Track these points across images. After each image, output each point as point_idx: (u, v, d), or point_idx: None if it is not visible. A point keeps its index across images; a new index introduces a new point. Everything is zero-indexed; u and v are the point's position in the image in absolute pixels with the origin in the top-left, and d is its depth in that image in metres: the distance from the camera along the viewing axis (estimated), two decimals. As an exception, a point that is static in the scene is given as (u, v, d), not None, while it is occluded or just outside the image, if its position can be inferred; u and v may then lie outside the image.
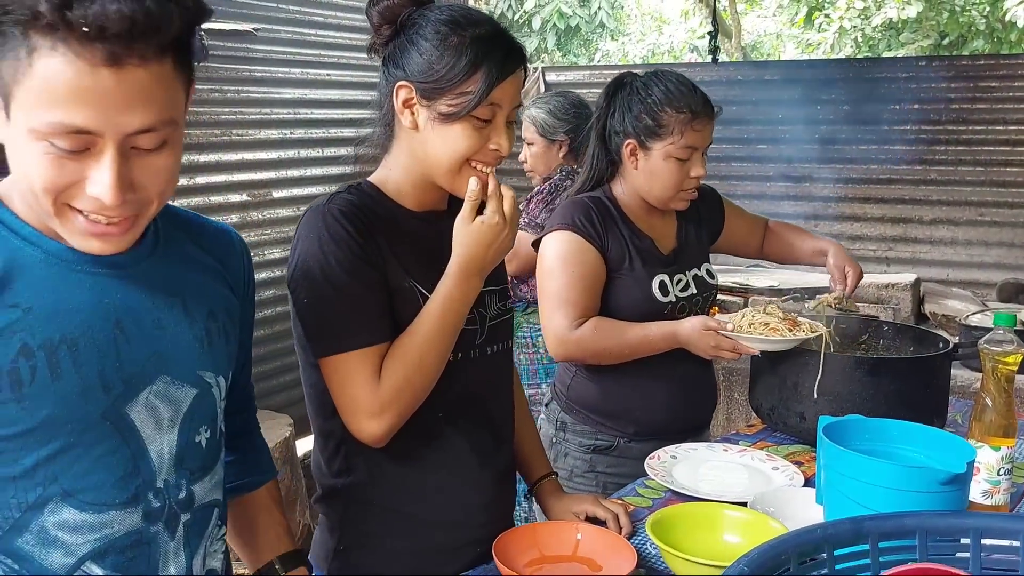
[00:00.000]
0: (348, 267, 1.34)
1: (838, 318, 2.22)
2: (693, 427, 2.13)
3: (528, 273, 2.79)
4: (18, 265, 0.98)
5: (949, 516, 1.10)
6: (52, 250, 1.00)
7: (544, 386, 2.95)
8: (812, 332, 1.92)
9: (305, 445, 3.42)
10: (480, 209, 1.38)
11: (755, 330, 1.90)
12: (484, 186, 1.37)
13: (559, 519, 1.60)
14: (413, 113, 1.38)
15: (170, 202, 1.16)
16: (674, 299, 2.04)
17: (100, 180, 0.92)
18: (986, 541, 1.06)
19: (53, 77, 0.87)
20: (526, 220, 2.90)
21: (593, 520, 1.57)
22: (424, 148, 1.40)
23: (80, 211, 0.95)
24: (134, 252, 1.05)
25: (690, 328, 1.92)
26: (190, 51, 0.97)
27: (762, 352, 1.92)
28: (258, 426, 1.42)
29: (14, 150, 0.93)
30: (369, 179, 1.48)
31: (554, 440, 2.14)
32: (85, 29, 0.86)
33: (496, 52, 1.35)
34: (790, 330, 1.92)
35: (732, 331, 1.88)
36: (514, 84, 1.38)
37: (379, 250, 1.38)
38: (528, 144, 3.10)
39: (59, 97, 0.88)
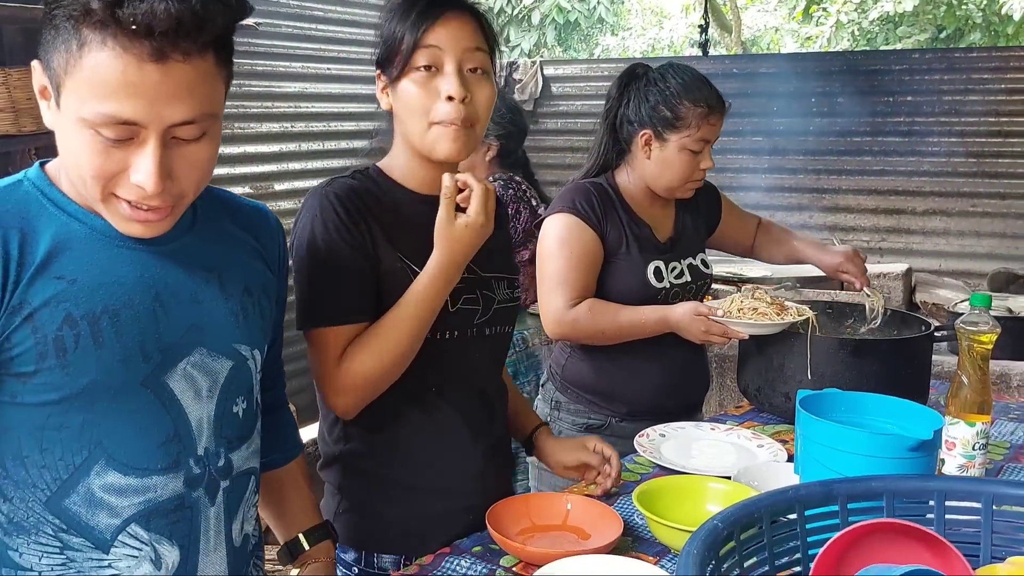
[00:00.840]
0: (333, 249, 1.39)
1: (825, 303, 2.28)
2: (685, 409, 2.18)
3: None
4: (66, 240, 1.03)
5: (914, 479, 1.16)
6: (96, 226, 1.05)
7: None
8: (799, 316, 1.98)
9: (308, 433, 3.48)
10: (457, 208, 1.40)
11: (744, 315, 1.96)
12: (460, 186, 1.39)
13: (558, 462, 1.66)
14: (387, 95, 1.45)
15: None
16: (668, 285, 2.10)
17: (143, 168, 0.97)
18: (951, 503, 1.11)
19: (102, 70, 0.92)
20: None
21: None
22: (399, 123, 1.45)
23: (124, 198, 1.00)
24: (174, 229, 1.10)
25: (681, 313, 1.98)
26: (231, 47, 1.01)
27: (751, 336, 1.98)
28: (287, 403, 1.46)
29: (63, 137, 0.99)
30: (378, 164, 1.52)
31: (548, 419, 2.20)
32: (134, 27, 0.91)
33: (417, 6, 1.39)
34: (778, 314, 1.98)
35: (722, 316, 1.94)
36: (455, 26, 1.39)
37: (370, 234, 1.41)
38: None
39: (107, 89, 0.93)
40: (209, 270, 1.14)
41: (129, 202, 1.00)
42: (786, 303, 2.04)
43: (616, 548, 1.40)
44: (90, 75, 0.93)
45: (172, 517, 1.09)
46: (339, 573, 1.51)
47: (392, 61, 1.41)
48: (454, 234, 1.37)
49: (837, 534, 0.98)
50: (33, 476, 1.03)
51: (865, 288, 2.23)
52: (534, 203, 2.83)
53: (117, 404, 1.04)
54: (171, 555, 1.10)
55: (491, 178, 2.81)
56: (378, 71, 1.46)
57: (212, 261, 1.15)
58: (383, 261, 1.42)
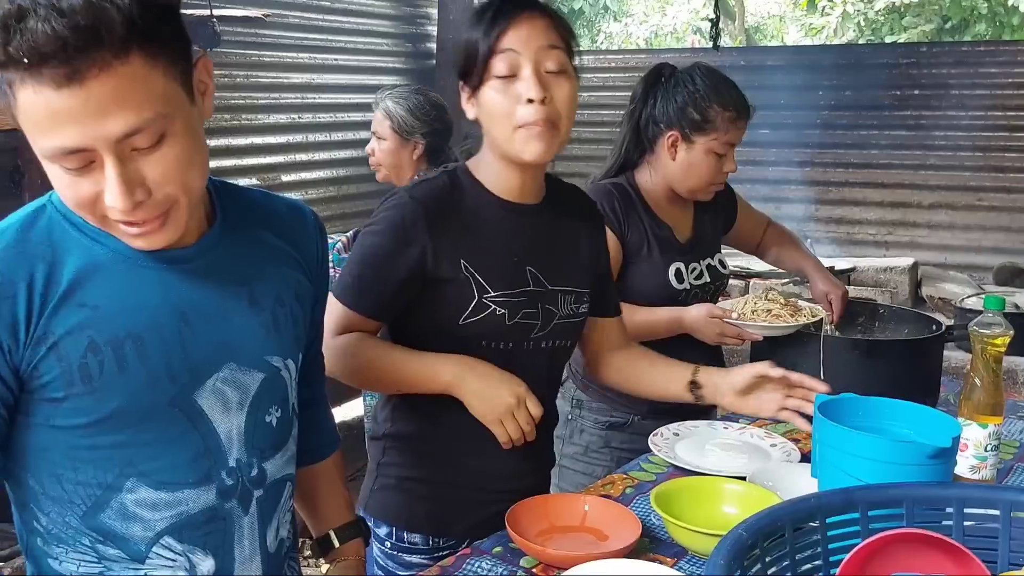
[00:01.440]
0: (381, 247, 1.46)
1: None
2: (703, 407, 2.20)
3: None
4: (91, 265, 1.02)
5: (933, 487, 1.18)
6: (119, 249, 1.03)
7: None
8: (813, 317, 2.00)
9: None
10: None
11: (758, 316, 1.98)
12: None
13: (732, 388, 1.71)
14: (472, 106, 1.46)
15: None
16: (688, 287, 2.11)
17: (109, 189, 0.93)
18: (969, 510, 1.13)
19: (31, 107, 0.89)
20: None
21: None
22: (486, 131, 1.46)
23: (114, 219, 0.97)
24: (201, 243, 1.09)
25: (695, 315, 1.99)
26: (165, 37, 0.94)
27: (765, 337, 1.99)
28: (325, 397, 1.44)
29: (48, 171, 0.97)
30: (467, 163, 1.54)
31: (569, 417, 2.22)
32: (26, 60, 0.87)
33: (492, 5, 1.41)
34: (791, 315, 1.99)
35: (736, 318, 1.95)
36: (527, 27, 1.39)
37: (435, 242, 1.44)
38: (379, 138, 2.82)
39: (42, 124, 0.90)
40: (239, 284, 1.12)
41: (128, 223, 0.97)
42: (800, 303, 2.05)
43: (634, 550, 1.42)
44: (25, 114, 0.90)
45: (205, 528, 1.10)
46: (373, 547, 1.57)
47: (471, 71, 1.42)
48: (491, 393, 1.46)
49: (860, 544, 1.00)
50: (68, 492, 1.05)
51: (829, 326, 2.25)
52: None
53: (145, 424, 1.04)
54: (205, 564, 1.11)
55: (416, 178, 2.71)
56: (461, 83, 1.46)
57: (242, 274, 1.13)
58: (445, 271, 1.45)
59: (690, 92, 2.04)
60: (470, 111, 1.46)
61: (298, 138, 4.48)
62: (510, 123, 1.40)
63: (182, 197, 1.00)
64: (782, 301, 2.02)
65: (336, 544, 1.39)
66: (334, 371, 1.48)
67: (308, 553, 2.79)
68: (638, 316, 2.04)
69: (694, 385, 1.72)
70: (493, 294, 1.47)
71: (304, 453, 1.35)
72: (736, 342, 1.98)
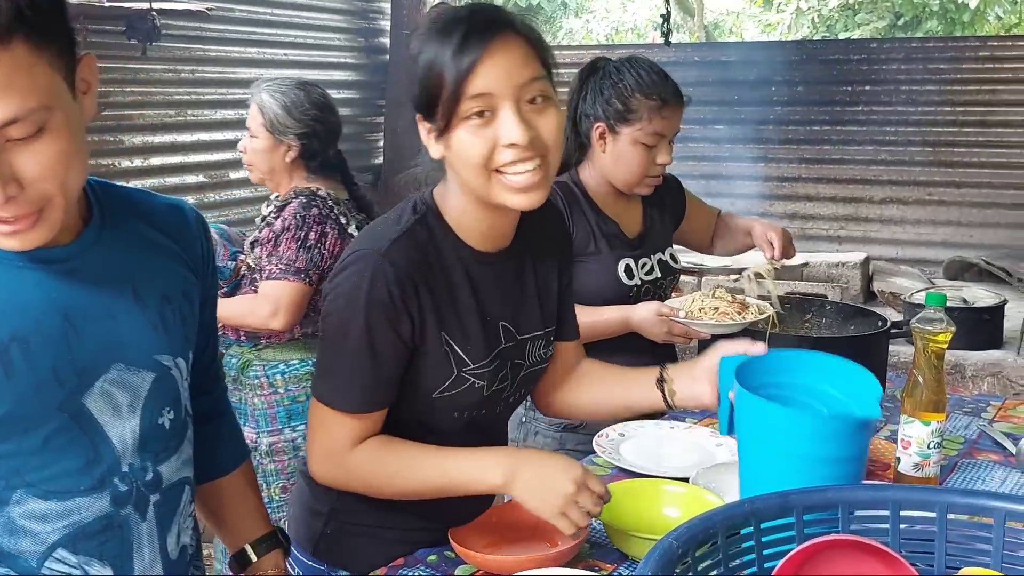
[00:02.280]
0: (371, 335, 1.26)
1: (781, 299, 2.29)
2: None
3: (296, 325, 2.39)
4: None
5: (870, 489, 1.16)
6: None
7: (288, 431, 2.45)
8: (760, 314, 1.98)
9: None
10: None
11: (705, 314, 1.95)
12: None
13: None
14: (437, 144, 1.25)
15: (126, 183, 1.16)
16: (639, 282, 2.08)
17: None
18: (906, 512, 1.11)
19: None
20: (282, 267, 2.32)
21: None
22: (456, 173, 1.27)
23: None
24: (78, 242, 1.05)
25: (643, 314, 1.96)
26: (51, 29, 0.91)
27: (713, 335, 1.97)
28: (229, 406, 1.40)
29: None
30: (433, 194, 1.35)
31: (523, 420, 2.18)
32: None
33: (459, 25, 1.19)
34: (739, 313, 1.97)
35: (683, 316, 1.93)
36: (502, 61, 1.18)
37: (420, 314, 1.28)
38: (251, 135, 2.47)
39: None
40: (122, 282, 1.08)
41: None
42: (747, 301, 2.03)
43: (575, 556, 1.38)
44: None
45: (100, 538, 1.05)
46: None
47: (435, 109, 1.21)
48: (551, 488, 1.28)
49: (792, 551, 0.97)
50: None
51: (772, 261, 2.17)
52: (343, 221, 2.43)
53: (33, 431, 0.99)
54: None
55: (292, 193, 2.42)
56: (419, 115, 1.25)
57: (125, 271, 1.08)
58: (427, 343, 1.30)
59: (614, 83, 2.01)
60: (433, 149, 1.25)
61: (247, 134, 4.40)
62: (488, 169, 1.21)
63: (58, 196, 0.95)
64: (729, 299, 2.00)
65: (253, 558, 1.33)
66: (363, 489, 1.35)
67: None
68: (584, 317, 1.99)
69: (661, 381, 1.52)
70: (473, 367, 1.33)
71: (212, 466, 1.31)
72: (684, 341, 1.95)
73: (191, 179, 4.14)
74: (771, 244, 2.18)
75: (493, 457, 1.33)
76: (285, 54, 4.58)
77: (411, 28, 5.33)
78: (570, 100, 2.11)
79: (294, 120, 2.40)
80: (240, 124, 4.34)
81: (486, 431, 1.45)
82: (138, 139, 3.98)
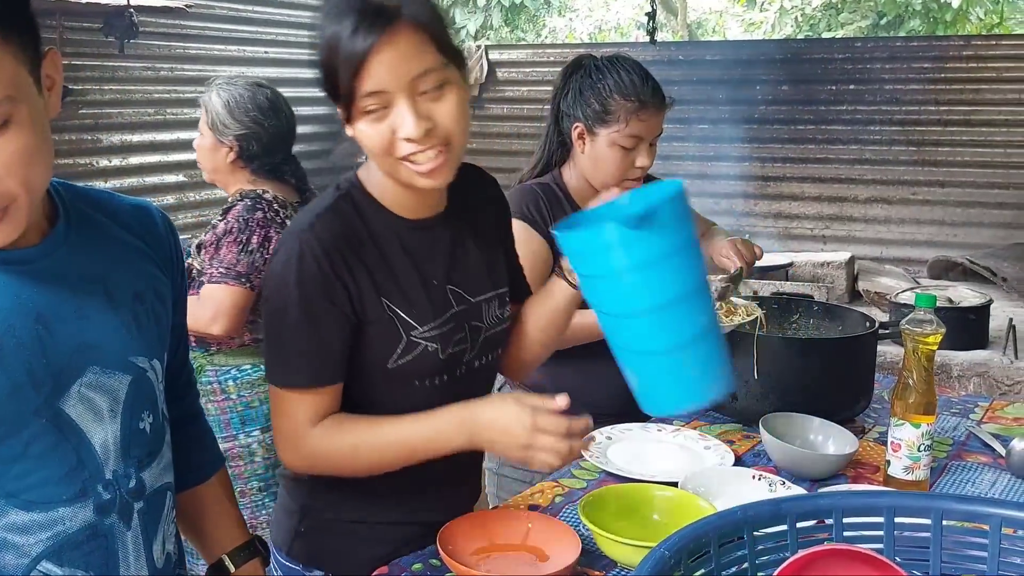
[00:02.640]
0: (310, 307, 1.28)
1: (768, 300, 2.27)
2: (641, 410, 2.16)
3: (239, 330, 2.32)
4: None
5: (863, 496, 1.14)
6: None
7: (242, 436, 2.40)
8: (748, 316, 1.95)
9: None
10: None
11: None
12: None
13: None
14: (348, 128, 1.29)
15: (103, 185, 1.14)
16: None
17: None
18: (900, 519, 1.09)
19: None
20: (223, 271, 2.26)
21: None
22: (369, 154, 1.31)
23: None
24: (45, 243, 1.02)
25: None
26: (16, 23, 0.90)
27: None
28: (202, 411, 1.38)
29: None
30: (358, 175, 1.39)
31: None
32: None
33: (345, 30, 1.19)
34: (726, 315, 1.94)
35: None
36: (394, 54, 1.18)
37: (356, 284, 1.30)
38: (200, 133, 2.43)
39: None
40: (92, 281, 1.05)
41: None
42: (735, 302, 2.01)
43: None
44: None
45: (85, 548, 1.02)
46: None
47: (336, 97, 1.24)
48: (510, 419, 1.29)
49: (788, 560, 0.95)
50: None
51: (735, 266, 2.08)
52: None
53: (11, 439, 0.97)
54: None
55: (238, 195, 2.36)
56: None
57: (94, 271, 1.06)
58: (368, 313, 1.31)
59: (593, 83, 1.98)
60: (347, 129, 1.28)
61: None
62: (392, 157, 1.25)
63: (23, 194, 0.93)
64: (717, 302, 1.97)
65: (232, 568, 1.30)
66: (330, 469, 1.35)
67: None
68: (576, 319, 1.98)
69: (560, 270, 1.50)
70: (422, 330, 1.35)
71: (186, 473, 1.28)
72: None
73: (171, 178, 4.09)
74: (732, 259, 2.10)
75: (449, 421, 1.32)
76: (266, 52, 4.53)
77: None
78: (553, 97, 2.08)
79: (234, 120, 2.34)
80: (221, 123, 4.30)
81: (456, 396, 1.38)
82: (116, 138, 3.92)
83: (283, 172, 2.43)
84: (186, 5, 3.88)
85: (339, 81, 1.21)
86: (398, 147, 1.23)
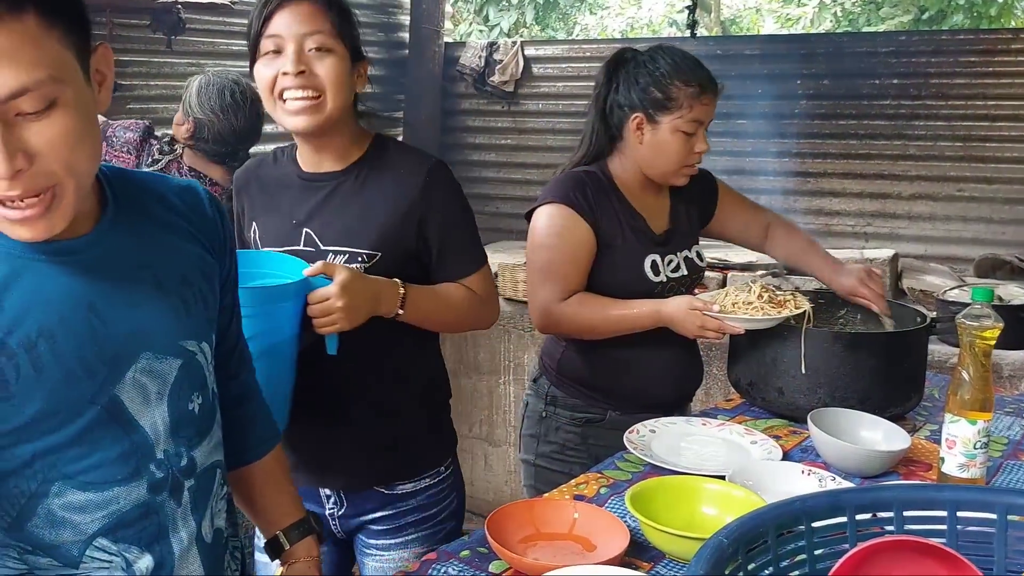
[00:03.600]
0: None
1: (817, 292, 2.23)
2: (681, 400, 2.15)
3: None
4: None
5: (925, 489, 1.11)
6: (11, 245, 0.98)
7: None
8: (796, 309, 1.92)
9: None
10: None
11: (739, 309, 1.90)
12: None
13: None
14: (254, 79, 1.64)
15: None
16: (665, 279, 2.04)
17: None
18: (963, 513, 1.07)
19: None
20: None
21: None
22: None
23: None
24: (95, 232, 1.04)
25: (675, 308, 1.92)
26: (63, 7, 0.91)
27: (747, 330, 1.92)
28: (257, 388, 1.38)
29: None
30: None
31: (544, 415, 2.15)
32: None
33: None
34: (774, 308, 1.91)
35: (717, 311, 1.88)
36: (292, 14, 1.54)
37: (240, 207, 1.73)
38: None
39: None
40: (141, 267, 1.07)
41: (2, 203, 0.92)
42: (781, 296, 1.98)
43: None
44: None
45: (139, 525, 1.05)
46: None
47: (250, 50, 1.61)
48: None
49: (850, 552, 0.93)
50: None
51: (884, 315, 2.11)
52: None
53: (67, 425, 0.99)
54: (143, 561, 1.06)
55: (186, 171, 2.64)
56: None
57: (143, 257, 1.08)
58: (244, 232, 1.71)
59: (650, 72, 1.97)
60: (256, 85, 1.64)
61: (267, 128, 4.37)
62: (273, 94, 1.57)
63: (67, 179, 0.94)
64: (765, 294, 1.94)
65: (286, 545, 1.32)
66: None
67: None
68: (615, 310, 1.97)
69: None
70: (263, 249, 1.66)
71: (242, 451, 1.30)
72: (717, 336, 1.90)
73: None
74: (872, 304, 2.11)
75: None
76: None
77: (431, 23, 5.31)
78: (597, 94, 2.07)
79: (197, 105, 2.61)
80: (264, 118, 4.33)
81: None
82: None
83: (228, 161, 2.67)
84: (231, 1, 3.91)
85: (251, 33, 1.58)
86: (278, 84, 1.56)
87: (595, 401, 2.09)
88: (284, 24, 1.54)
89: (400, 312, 1.60)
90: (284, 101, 1.56)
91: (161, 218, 1.13)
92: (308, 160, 1.68)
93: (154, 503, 1.06)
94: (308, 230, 1.65)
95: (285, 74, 1.54)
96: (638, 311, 1.96)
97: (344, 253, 1.63)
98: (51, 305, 0.98)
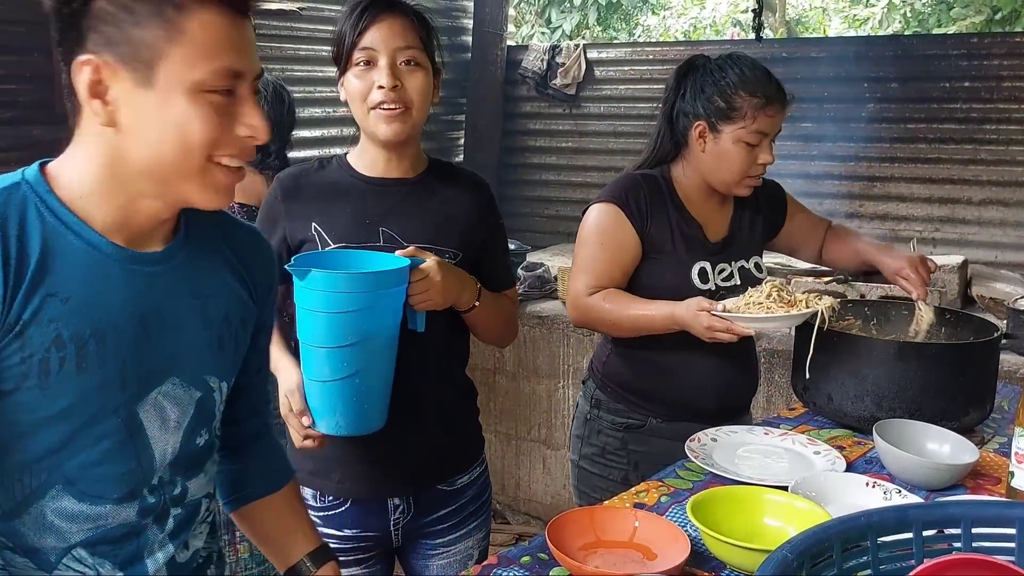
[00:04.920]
0: (260, 224, 1.74)
1: (884, 303, 2.20)
2: (729, 411, 2.11)
3: None
4: (58, 251, 0.99)
5: (995, 506, 1.10)
6: (93, 241, 1.01)
7: None
8: (808, 308, 1.88)
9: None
10: None
11: (750, 309, 1.86)
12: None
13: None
14: (341, 87, 1.70)
15: None
16: (713, 287, 2.02)
17: (251, 119, 1.02)
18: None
19: (213, 30, 0.97)
20: None
21: None
22: (352, 110, 1.70)
23: (220, 164, 1.02)
24: (166, 251, 1.08)
25: (685, 309, 1.89)
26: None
27: (759, 331, 1.90)
28: (270, 429, 1.41)
29: (157, 117, 0.97)
30: (350, 151, 1.78)
31: (588, 417, 2.17)
32: None
33: (360, 4, 1.64)
34: (782, 307, 1.86)
35: (723, 311, 1.84)
36: (386, 27, 1.62)
37: (286, 212, 1.70)
38: None
39: (220, 46, 0.97)
40: (195, 296, 1.12)
41: (228, 165, 1.02)
42: (797, 295, 1.91)
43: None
44: (202, 36, 0.97)
45: (119, 544, 1.08)
46: None
47: (339, 59, 1.67)
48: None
49: (916, 570, 0.92)
50: None
51: (920, 301, 2.10)
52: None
53: (87, 429, 1.02)
54: None
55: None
56: (336, 68, 1.70)
57: (199, 286, 1.13)
58: (299, 233, 1.70)
59: (717, 81, 1.97)
60: (341, 92, 1.70)
61: (333, 132, 4.45)
62: (365, 104, 1.63)
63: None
64: (775, 293, 1.88)
65: (313, 570, 1.33)
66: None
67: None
68: (634, 308, 1.97)
69: None
70: (333, 247, 1.68)
71: (258, 485, 1.33)
72: (728, 337, 1.84)
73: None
74: (913, 288, 2.07)
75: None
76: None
77: (494, 27, 5.34)
78: (666, 98, 2.08)
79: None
80: (326, 122, 4.42)
81: None
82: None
83: (264, 161, 2.71)
84: (299, 8, 3.99)
85: (344, 43, 1.64)
86: (372, 96, 1.63)
87: (636, 407, 2.10)
88: (379, 38, 1.61)
89: (476, 305, 1.70)
90: (376, 110, 1.63)
91: (223, 254, 1.18)
92: (377, 167, 1.73)
93: (139, 526, 1.09)
94: (385, 229, 1.70)
95: (380, 87, 1.60)
96: (654, 312, 1.95)
97: (431, 250, 1.68)
98: (110, 309, 1.01)
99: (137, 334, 1.04)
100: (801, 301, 1.89)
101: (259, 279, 1.23)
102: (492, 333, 1.84)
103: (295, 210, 1.70)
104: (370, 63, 1.62)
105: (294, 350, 1.73)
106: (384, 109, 1.62)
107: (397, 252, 1.59)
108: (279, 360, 1.69)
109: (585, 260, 2.03)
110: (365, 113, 1.64)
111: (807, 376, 1.94)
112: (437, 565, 1.85)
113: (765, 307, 1.86)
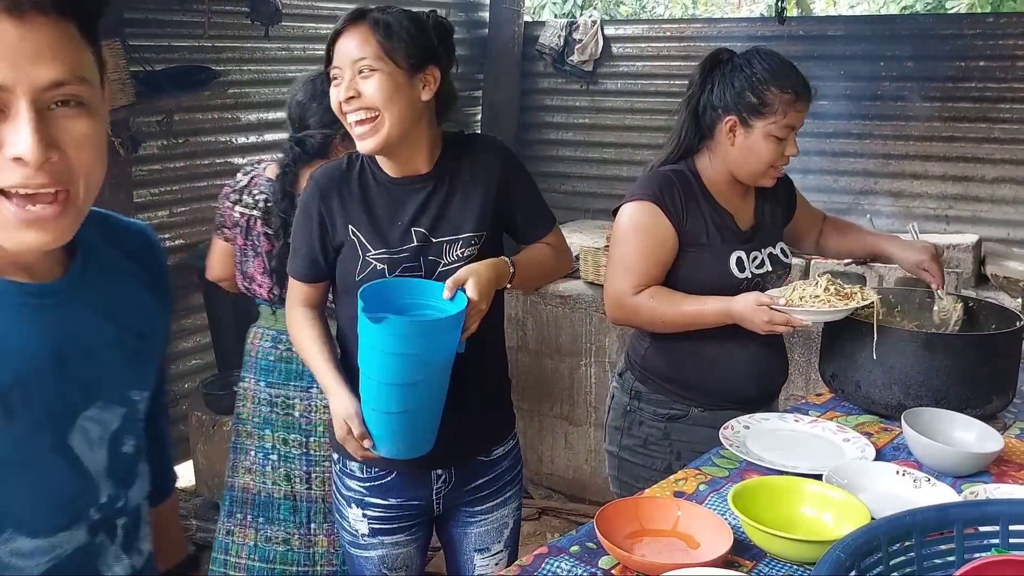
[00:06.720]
0: (298, 222, 1.86)
1: (906, 289, 2.27)
2: (767, 395, 2.21)
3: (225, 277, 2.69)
4: None
5: (1032, 505, 1.17)
6: None
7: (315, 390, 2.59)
8: (864, 301, 1.96)
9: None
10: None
11: (805, 303, 1.95)
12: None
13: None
14: None
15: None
16: (750, 276, 2.09)
17: (20, 138, 0.85)
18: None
19: None
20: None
21: None
22: None
23: (5, 195, 0.88)
24: (67, 277, 1.03)
25: (743, 304, 1.97)
26: (94, 25, 0.92)
27: (815, 322, 1.98)
28: (166, 434, 1.38)
29: None
30: None
31: (628, 408, 2.23)
32: None
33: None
34: (842, 300, 1.95)
35: (784, 304, 1.93)
36: (344, 42, 1.67)
37: (325, 212, 1.79)
38: None
39: None
40: (106, 317, 1.06)
41: (13, 199, 0.88)
42: (849, 288, 2.01)
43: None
44: None
45: (76, 566, 1.04)
46: None
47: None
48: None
49: (964, 568, 1.00)
50: None
51: (939, 291, 2.19)
52: (239, 197, 2.57)
53: (25, 471, 0.97)
54: None
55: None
56: None
57: (108, 306, 1.07)
58: (340, 235, 1.79)
59: (747, 76, 2.02)
60: None
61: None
62: (345, 120, 1.71)
63: (81, 184, 0.92)
64: (831, 287, 1.98)
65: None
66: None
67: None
68: (686, 306, 2.04)
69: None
70: (373, 253, 1.77)
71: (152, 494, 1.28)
72: (786, 330, 1.94)
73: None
74: (933, 280, 2.20)
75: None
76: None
77: (511, 3, 5.34)
78: (691, 94, 2.12)
79: (291, 100, 2.60)
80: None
81: None
82: (253, 116, 4.11)
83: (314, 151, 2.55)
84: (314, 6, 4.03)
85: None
86: (343, 109, 1.70)
87: (678, 397, 2.17)
88: (340, 54, 1.69)
89: (509, 285, 1.81)
90: (351, 125, 1.71)
91: (120, 265, 1.12)
92: (395, 167, 1.80)
93: (92, 545, 1.06)
94: (417, 228, 1.79)
95: (338, 101, 1.69)
96: (707, 308, 2.02)
97: (457, 241, 1.79)
98: (25, 353, 0.96)
99: (56, 370, 0.99)
100: (857, 294, 1.99)
101: (157, 275, 1.18)
102: (534, 285, 2.02)
103: (332, 211, 1.79)
104: (338, 79, 1.69)
105: (342, 362, 1.84)
106: (355, 124, 1.69)
107: (444, 294, 1.66)
108: (327, 378, 1.79)
109: (626, 259, 2.08)
110: (350, 127, 1.72)
111: (875, 358, 1.98)
112: (475, 533, 1.98)
113: (824, 300, 1.95)
